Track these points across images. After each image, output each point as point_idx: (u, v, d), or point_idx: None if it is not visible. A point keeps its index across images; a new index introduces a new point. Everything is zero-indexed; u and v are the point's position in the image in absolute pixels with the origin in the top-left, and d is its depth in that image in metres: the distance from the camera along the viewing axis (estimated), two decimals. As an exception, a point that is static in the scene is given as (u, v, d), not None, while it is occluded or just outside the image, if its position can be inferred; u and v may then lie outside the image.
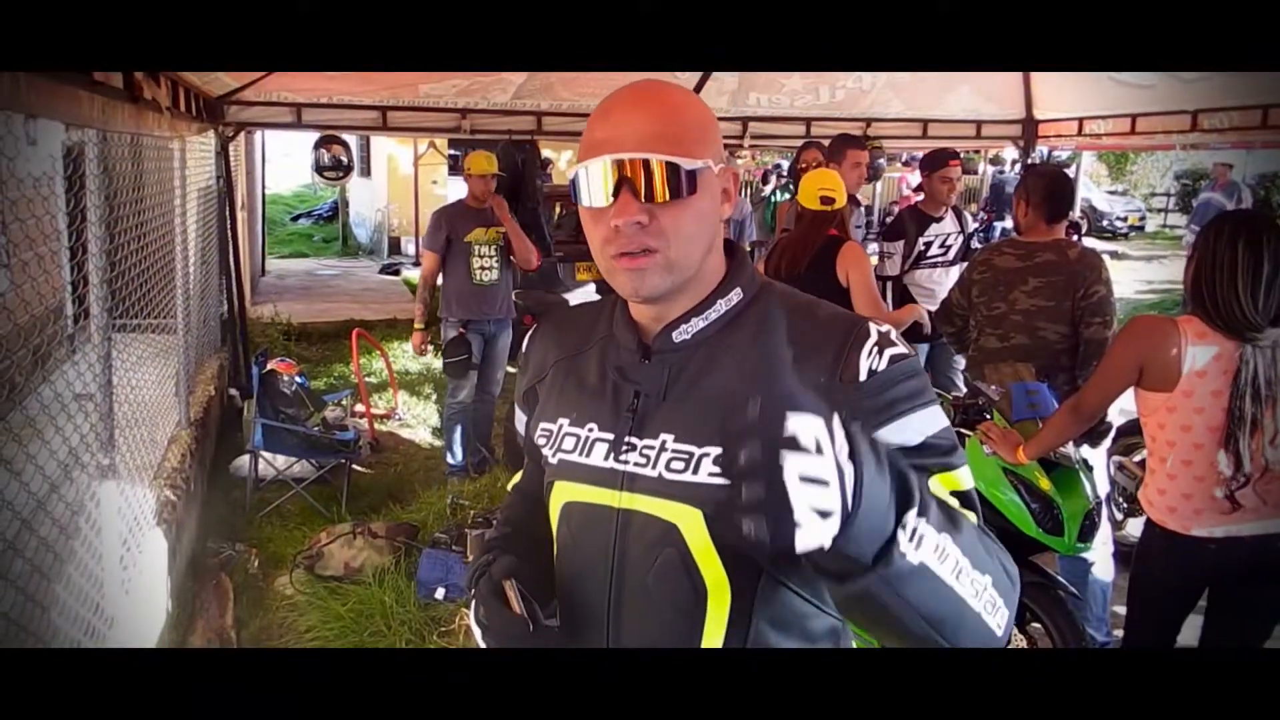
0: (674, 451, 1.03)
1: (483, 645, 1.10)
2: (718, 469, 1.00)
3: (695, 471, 1.01)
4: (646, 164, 0.98)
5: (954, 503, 1.00)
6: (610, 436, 1.08)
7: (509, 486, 1.39)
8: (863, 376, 1.00)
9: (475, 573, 1.16)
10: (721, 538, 1.01)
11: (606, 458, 1.07)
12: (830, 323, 1.05)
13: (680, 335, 1.07)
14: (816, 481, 0.73)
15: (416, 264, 14.29)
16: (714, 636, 1.03)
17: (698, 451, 1.01)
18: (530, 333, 1.27)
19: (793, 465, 0.73)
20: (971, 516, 1.00)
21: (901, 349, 1.03)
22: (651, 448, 1.04)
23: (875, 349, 1.01)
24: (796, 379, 1.00)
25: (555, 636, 1.07)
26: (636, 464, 1.05)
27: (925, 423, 1.02)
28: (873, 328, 1.03)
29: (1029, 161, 6.52)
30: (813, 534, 0.74)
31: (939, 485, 1.01)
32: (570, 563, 1.13)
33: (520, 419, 1.29)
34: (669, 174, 0.98)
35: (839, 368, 1.00)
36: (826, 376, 1.00)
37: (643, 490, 1.04)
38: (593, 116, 1.04)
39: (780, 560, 0.90)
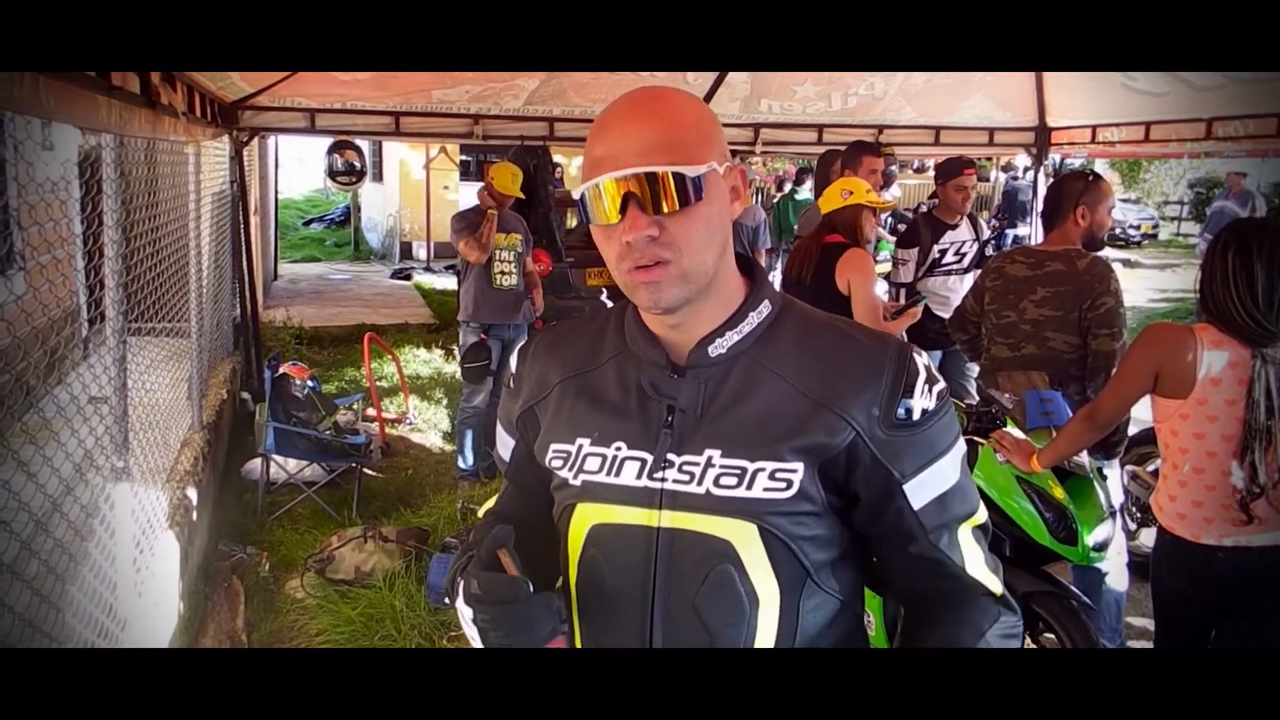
0: (723, 467, 1.02)
1: (471, 632, 1.06)
2: (776, 483, 1.01)
3: (749, 487, 1.01)
4: (650, 177, 0.96)
5: (977, 553, 1.09)
6: (644, 455, 1.05)
7: (480, 512, 1.34)
8: (916, 416, 1.02)
9: (458, 568, 1.14)
10: (775, 549, 1.02)
11: (640, 476, 1.05)
12: (878, 350, 1.05)
13: (716, 350, 1.06)
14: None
15: (427, 269, 14.35)
16: (764, 646, 1.04)
17: (751, 466, 1.01)
18: (519, 351, 1.23)
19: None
20: (991, 586, 1.10)
21: (942, 383, 1.06)
22: (695, 464, 1.03)
23: (926, 387, 1.03)
24: (852, 404, 1.02)
25: (553, 599, 1.03)
26: (677, 481, 1.03)
27: (959, 457, 1.07)
28: (919, 361, 1.04)
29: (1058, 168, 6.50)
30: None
31: (965, 534, 1.08)
32: (602, 585, 1.09)
33: (506, 442, 1.25)
34: (674, 184, 0.97)
35: (894, 404, 1.02)
36: (880, 410, 1.02)
37: (687, 508, 1.03)
38: (591, 133, 1.03)
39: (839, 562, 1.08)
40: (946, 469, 1.05)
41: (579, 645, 1.12)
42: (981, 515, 1.10)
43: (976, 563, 1.08)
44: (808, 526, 1.03)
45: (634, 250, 0.99)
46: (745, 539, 1.02)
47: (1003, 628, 1.08)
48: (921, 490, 1.03)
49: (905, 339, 3.20)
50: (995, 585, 1.09)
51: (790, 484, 1.00)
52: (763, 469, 1.01)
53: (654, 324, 1.09)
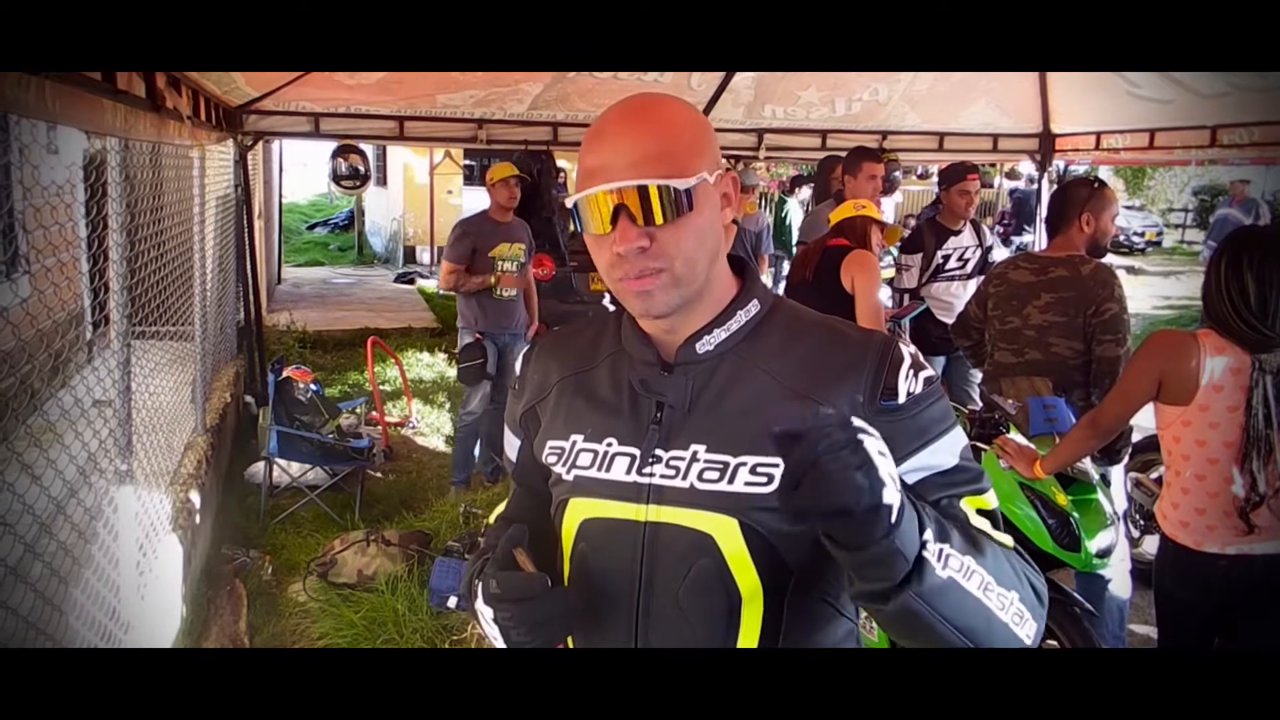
0: (707, 462, 1.03)
1: (493, 632, 1.06)
2: (757, 478, 1.00)
3: (731, 481, 1.01)
4: (642, 189, 0.98)
5: (984, 523, 1.03)
6: (633, 450, 1.07)
7: (490, 519, 1.36)
8: (901, 399, 1.02)
9: (473, 571, 1.15)
10: (756, 544, 1.02)
11: (629, 471, 1.06)
12: (862, 342, 1.06)
13: (704, 347, 1.07)
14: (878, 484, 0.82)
15: (431, 273, 14.36)
16: (747, 644, 1.04)
17: (733, 461, 1.01)
18: (525, 353, 1.25)
19: (859, 471, 0.82)
20: (1002, 538, 1.03)
21: (930, 370, 1.05)
22: (681, 459, 1.04)
23: (911, 372, 1.03)
24: (835, 393, 1.02)
25: (570, 593, 1.05)
26: (664, 476, 1.04)
27: (955, 443, 1.04)
28: (904, 349, 1.04)
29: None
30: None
31: (969, 507, 1.04)
32: (590, 580, 1.10)
33: (512, 443, 1.26)
34: (664, 197, 0.98)
35: (877, 389, 1.02)
36: (865, 396, 1.01)
37: (671, 502, 1.04)
38: (584, 142, 1.04)
39: (825, 561, 0.99)
40: (940, 453, 1.02)
41: (570, 640, 1.12)
42: (990, 500, 1.05)
43: (983, 524, 1.03)
44: (790, 523, 1.02)
45: (625, 261, 1.01)
46: (726, 534, 1.02)
47: (1029, 568, 1.02)
48: (913, 475, 1.01)
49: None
50: (1008, 541, 1.04)
51: (771, 479, 1.00)
52: (744, 463, 1.01)
53: (647, 324, 1.11)
